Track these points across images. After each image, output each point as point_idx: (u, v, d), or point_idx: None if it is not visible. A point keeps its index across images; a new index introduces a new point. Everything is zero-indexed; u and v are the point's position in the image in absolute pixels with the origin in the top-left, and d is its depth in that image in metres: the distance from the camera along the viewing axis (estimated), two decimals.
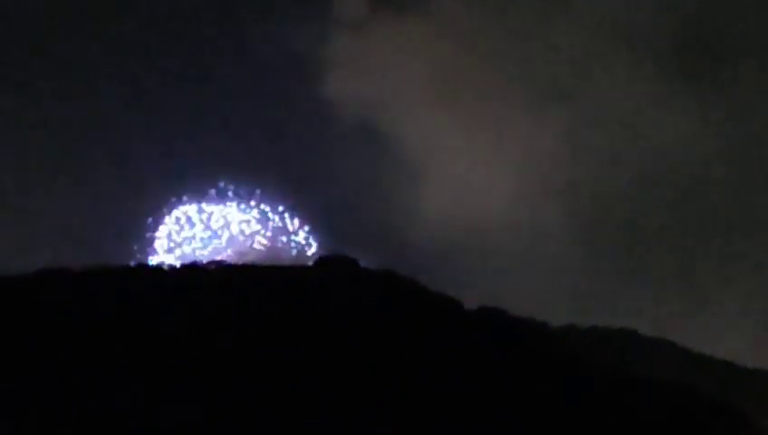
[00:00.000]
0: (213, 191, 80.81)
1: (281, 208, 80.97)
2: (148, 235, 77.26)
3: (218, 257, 65.80)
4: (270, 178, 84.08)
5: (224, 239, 75.53)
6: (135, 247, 76.60)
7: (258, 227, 78.41)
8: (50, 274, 59.79)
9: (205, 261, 64.05)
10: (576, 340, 73.02)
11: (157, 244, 76.58)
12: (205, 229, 77.54)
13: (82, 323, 51.21)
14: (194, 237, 75.47)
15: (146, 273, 61.88)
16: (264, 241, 77.20)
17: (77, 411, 43.16)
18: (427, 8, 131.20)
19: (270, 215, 79.93)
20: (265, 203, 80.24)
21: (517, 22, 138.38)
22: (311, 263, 67.04)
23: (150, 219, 78.07)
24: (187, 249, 73.65)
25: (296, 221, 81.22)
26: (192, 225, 77.36)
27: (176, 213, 77.75)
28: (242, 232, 78.31)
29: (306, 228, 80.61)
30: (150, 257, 72.61)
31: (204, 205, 79.03)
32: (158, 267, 63.27)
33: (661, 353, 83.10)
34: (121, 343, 49.03)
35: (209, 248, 72.15)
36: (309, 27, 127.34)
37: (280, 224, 80.00)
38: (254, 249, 74.45)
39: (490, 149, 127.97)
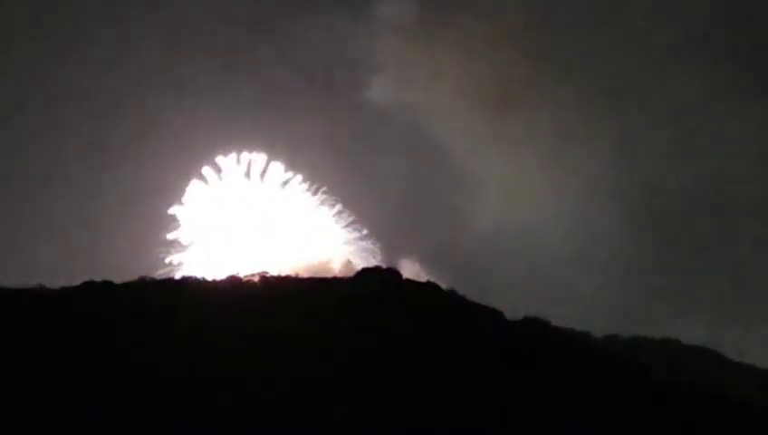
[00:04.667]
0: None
1: (322, 218, 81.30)
2: (190, 244, 78.22)
3: (260, 271, 66.08)
4: (310, 182, 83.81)
5: (267, 253, 76.07)
6: (174, 260, 77.48)
7: (306, 239, 78.66)
8: (94, 286, 60.83)
9: (247, 274, 64.22)
10: (619, 349, 72.48)
11: (200, 254, 77.44)
12: (246, 243, 78.25)
13: (128, 336, 52.14)
14: (238, 251, 76.20)
15: (194, 285, 62.63)
16: (311, 253, 77.36)
17: (127, 418, 43.95)
18: (476, 10, 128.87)
19: (317, 224, 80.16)
20: (310, 212, 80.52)
21: (570, 24, 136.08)
22: (353, 274, 67.12)
23: (186, 226, 78.91)
24: (228, 262, 74.18)
25: (340, 231, 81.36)
26: (235, 238, 78.19)
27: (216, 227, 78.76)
28: (283, 244, 78.80)
29: (352, 238, 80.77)
30: (195, 269, 73.37)
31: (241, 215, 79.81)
32: (204, 280, 63.83)
33: (704, 363, 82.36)
34: (167, 354, 49.88)
35: (251, 263, 72.51)
36: (354, 30, 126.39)
37: (324, 233, 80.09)
38: (301, 260, 74.61)
39: (541, 158, 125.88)
